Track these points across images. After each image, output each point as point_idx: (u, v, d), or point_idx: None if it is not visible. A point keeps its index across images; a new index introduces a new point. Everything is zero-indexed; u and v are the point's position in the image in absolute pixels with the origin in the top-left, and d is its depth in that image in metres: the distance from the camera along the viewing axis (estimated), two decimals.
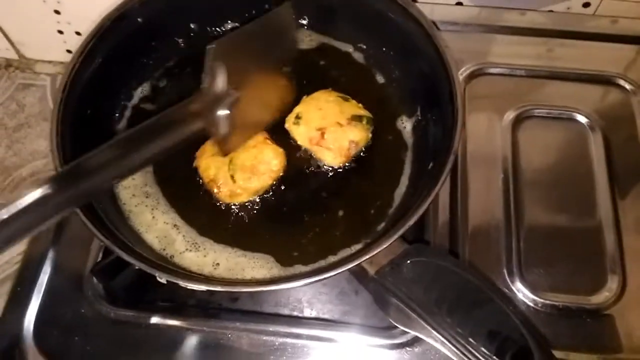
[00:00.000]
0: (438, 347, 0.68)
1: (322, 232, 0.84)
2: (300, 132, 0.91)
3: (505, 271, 0.86)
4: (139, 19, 0.93)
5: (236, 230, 0.85)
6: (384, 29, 0.95)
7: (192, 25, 1.02)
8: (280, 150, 0.89)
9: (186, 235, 0.84)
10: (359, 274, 0.77)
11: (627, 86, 1.03)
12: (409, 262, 0.72)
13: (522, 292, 0.84)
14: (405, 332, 0.81)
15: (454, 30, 1.11)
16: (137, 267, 0.70)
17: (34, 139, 1.15)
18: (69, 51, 1.22)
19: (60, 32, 1.17)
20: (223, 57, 0.75)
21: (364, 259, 0.70)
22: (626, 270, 0.86)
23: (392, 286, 0.70)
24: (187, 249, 0.83)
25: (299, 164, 0.90)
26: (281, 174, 0.88)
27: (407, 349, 0.81)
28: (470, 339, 0.65)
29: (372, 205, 0.87)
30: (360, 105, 0.93)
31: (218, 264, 0.81)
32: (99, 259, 0.89)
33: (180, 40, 1.02)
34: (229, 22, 1.04)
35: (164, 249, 0.83)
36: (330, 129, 0.89)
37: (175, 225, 0.85)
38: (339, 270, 0.70)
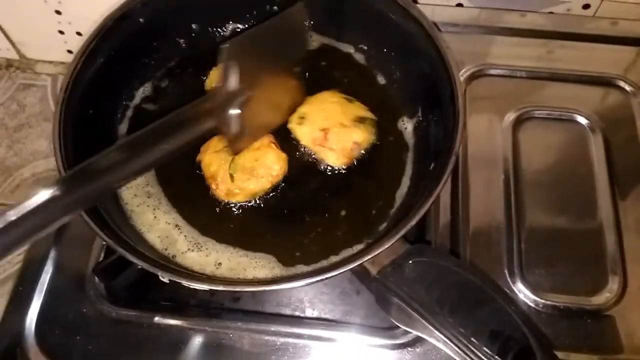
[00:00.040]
0: (440, 347, 0.68)
1: (324, 232, 0.84)
2: (304, 132, 0.91)
3: (506, 272, 0.86)
4: (140, 19, 0.93)
5: (238, 230, 0.85)
6: (385, 30, 0.95)
7: (193, 26, 1.02)
8: (283, 155, 0.89)
9: (188, 235, 0.84)
10: (360, 274, 0.77)
11: (627, 88, 1.04)
12: (410, 262, 0.72)
13: (523, 293, 0.84)
14: (406, 332, 0.81)
15: (454, 31, 1.11)
16: (140, 267, 0.70)
17: (35, 139, 1.15)
18: (69, 51, 1.22)
19: (61, 32, 1.18)
20: (236, 56, 0.75)
21: (366, 258, 0.70)
22: (627, 271, 0.86)
23: (394, 286, 0.71)
24: (189, 249, 0.83)
25: (300, 164, 0.90)
26: (281, 179, 0.88)
27: (409, 349, 0.82)
28: (473, 339, 0.65)
29: (374, 205, 0.87)
30: (364, 106, 0.93)
31: (220, 263, 0.81)
32: (101, 259, 0.89)
33: (181, 41, 1.02)
34: (231, 22, 1.04)
35: (166, 249, 0.83)
36: (334, 130, 0.89)
37: (177, 225, 0.85)
38: (341, 270, 0.70)
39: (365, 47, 1.01)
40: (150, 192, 0.88)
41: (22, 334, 0.83)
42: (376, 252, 0.70)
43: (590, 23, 1.12)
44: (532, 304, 0.84)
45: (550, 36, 1.10)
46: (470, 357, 0.65)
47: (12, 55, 1.25)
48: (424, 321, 0.68)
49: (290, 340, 0.83)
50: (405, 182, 0.89)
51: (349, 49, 1.02)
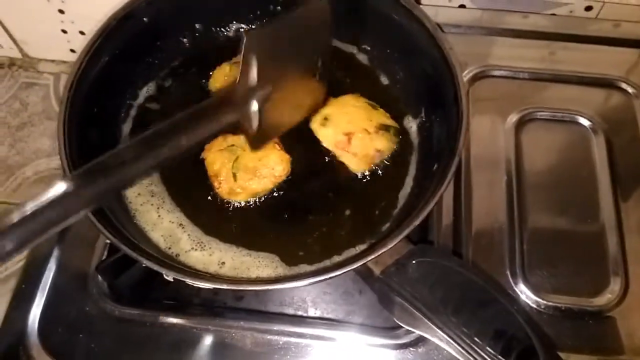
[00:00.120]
0: (443, 347, 0.68)
1: (328, 232, 0.85)
2: (327, 134, 0.90)
3: (508, 272, 0.86)
4: (144, 19, 0.93)
5: (241, 229, 0.85)
6: (388, 31, 0.95)
7: (197, 26, 1.02)
8: (286, 156, 0.89)
9: (192, 234, 0.84)
10: (364, 273, 0.77)
11: (630, 89, 1.04)
12: (414, 262, 0.72)
13: (525, 294, 0.85)
14: (409, 332, 0.81)
15: (457, 32, 1.11)
16: (144, 265, 0.70)
17: (37, 138, 1.15)
18: (72, 50, 1.22)
19: (64, 31, 1.18)
20: (258, 48, 0.72)
21: (369, 258, 0.70)
22: (629, 272, 0.86)
23: (398, 286, 0.71)
24: (192, 248, 0.83)
25: (305, 164, 0.90)
26: (284, 180, 0.88)
27: (411, 349, 0.82)
28: (476, 339, 0.65)
29: (377, 205, 0.87)
30: (387, 114, 0.93)
31: (223, 262, 0.82)
32: (104, 257, 0.89)
33: (185, 40, 1.02)
34: (234, 22, 1.04)
35: (170, 248, 0.83)
36: (358, 135, 0.88)
37: (180, 224, 0.85)
38: (344, 270, 0.70)
39: (369, 48, 1.01)
40: (154, 191, 0.88)
41: (24, 332, 0.83)
42: (380, 252, 0.70)
43: (593, 25, 1.13)
44: (534, 305, 0.84)
45: (552, 38, 1.10)
46: (473, 357, 0.65)
47: (15, 54, 1.25)
48: (427, 321, 0.68)
49: (293, 339, 0.83)
50: (409, 182, 0.89)
51: (352, 49, 1.02)
